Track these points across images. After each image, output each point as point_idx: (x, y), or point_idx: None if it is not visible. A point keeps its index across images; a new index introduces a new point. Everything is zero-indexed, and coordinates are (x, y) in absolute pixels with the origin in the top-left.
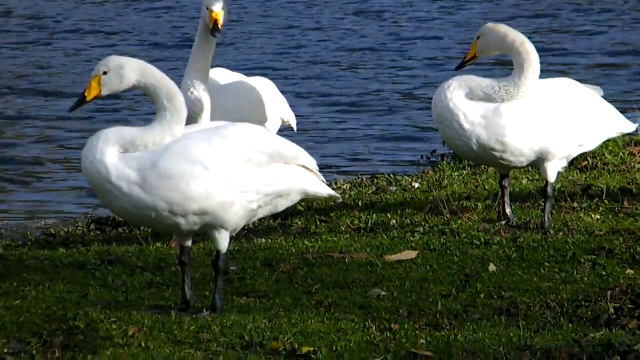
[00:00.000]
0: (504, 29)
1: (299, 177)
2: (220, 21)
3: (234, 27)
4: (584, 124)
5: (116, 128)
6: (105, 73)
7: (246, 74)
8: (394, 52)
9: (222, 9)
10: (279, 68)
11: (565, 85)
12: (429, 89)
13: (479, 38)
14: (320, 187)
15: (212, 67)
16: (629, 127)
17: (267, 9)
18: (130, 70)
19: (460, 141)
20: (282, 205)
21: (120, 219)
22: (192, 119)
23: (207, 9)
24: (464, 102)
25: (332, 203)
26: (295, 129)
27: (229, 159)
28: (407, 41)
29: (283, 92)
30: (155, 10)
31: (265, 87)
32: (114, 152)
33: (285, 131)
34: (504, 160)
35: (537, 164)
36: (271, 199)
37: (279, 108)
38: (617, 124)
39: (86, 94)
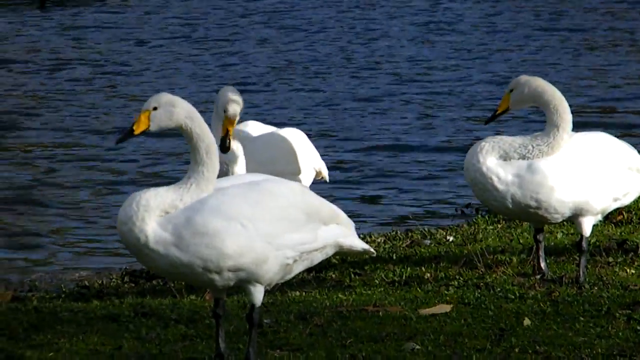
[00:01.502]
0: (541, 83)
1: (335, 231)
2: (232, 131)
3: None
4: (620, 179)
5: (152, 191)
6: (155, 108)
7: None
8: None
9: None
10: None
11: (600, 140)
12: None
13: (511, 91)
14: (355, 242)
15: (244, 120)
16: None
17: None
18: (180, 110)
19: (495, 201)
20: (317, 258)
21: None
22: (225, 171)
23: (224, 111)
24: (497, 165)
25: (366, 256)
26: (327, 179)
27: (264, 215)
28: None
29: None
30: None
31: (297, 138)
32: (153, 219)
33: (317, 183)
34: (539, 217)
35: (572, 219)
36: (307, 255)
37: (311, 158)
38: None
39: (134, 127)
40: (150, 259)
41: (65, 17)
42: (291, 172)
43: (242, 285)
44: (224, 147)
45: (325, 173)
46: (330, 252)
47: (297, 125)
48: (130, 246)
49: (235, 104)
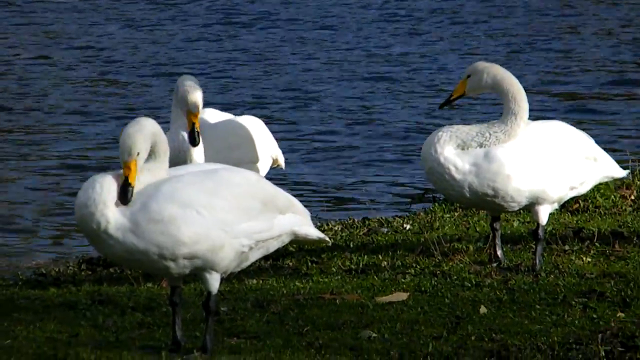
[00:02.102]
0: (500, 71)
1: (290, 219)
2: (198, 123)
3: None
4: (576, 167)
5: (112, 175)
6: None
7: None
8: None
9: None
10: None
11: (557, 128)
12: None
13: (469, 76)
14: (310, 230)
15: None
16: (620, 172)
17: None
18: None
19: (453, 191)
20: (273, 246)
21: None
22: (183, 160)
23: (187, 108)
24: (454, 154)
25: (322, 245)
26: (283, 167)
27: (220, 203)
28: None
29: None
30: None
31: (254, 125)
32: (114, 203)
33: (273, 169)
34: (496, 205)
35: (529, 207)
36: (262, 243)
37: (268, 145)
38: (609, 169)
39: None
40: (107, 245)
41: None
42: (249, 159)
43: (198, 273)
44: (194, 141)
45: (281, 160)
46: (286, 240)
47: (254, 112)
48: (88, 231)
49: (196, 96)
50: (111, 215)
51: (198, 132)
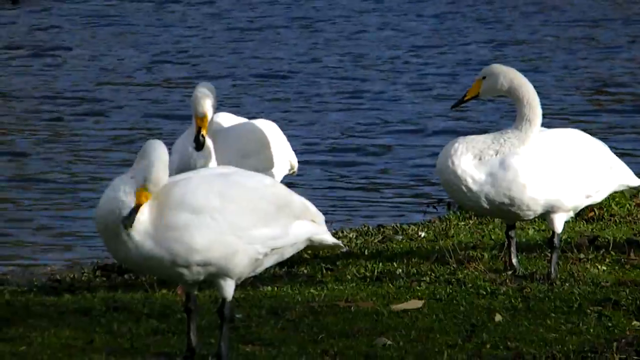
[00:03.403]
0: (517, 76)
1: (306, 227)
2: (206, 129)
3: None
4: (593, 175)
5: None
6: (484, 78)
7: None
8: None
9: (211, 106)
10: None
11: (573, 136)
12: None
13: (484, 78)
14: (326, 237)
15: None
16: (636, 181)
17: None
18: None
19: (469, 202)
20: (288, 252)
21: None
22: (193, 167)
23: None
24: (471, 166)
25: (338, 251)
26: (296, 171)
27: (234, 208)
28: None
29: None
30: None
31: (269, 129)
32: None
33: (287, 176)
34: (512, 214)
35: (544, 215)
36: (277, 249)
37: (284, 150)
38: (625, 177)
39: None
40: (126, 249)
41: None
42: (265, 163)
43: (213, 280)
44: (198, 145)
45: (295, 165)
46: (301, 246)
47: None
48: (109, 234)
49: (202, 102)
50: (140, 217)
51: (204, 137)
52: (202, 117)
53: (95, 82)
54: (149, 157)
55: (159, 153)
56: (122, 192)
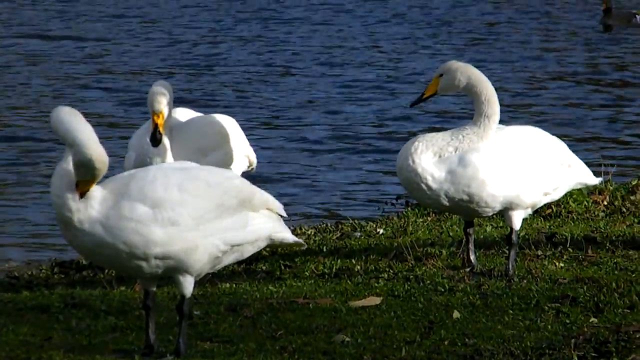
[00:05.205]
0: (475, 72)
1: (266, 225)
2: (162, 126)
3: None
4: (551, 173)
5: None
6: (441, 75)
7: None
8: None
9: (167, 104)
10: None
11: (532, 134)
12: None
13: (441, 75)
14: (286, 234)
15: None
16: (594, 179)
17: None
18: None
19: (429, 199)
20: (248, 251)
21: (84, 263)
22: (149, 164)
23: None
24: (431, 164)
25: (297, 248)
26: (254, 167)
27: (195, 202)
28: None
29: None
30: None
31: (227, 123)
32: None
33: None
34: (471, 210)
35: (502, 212)
36: (237, 247)
37: (242, 146)
38: (583, 175)
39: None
40: (77, 236)
41: None
42: (223, 158)
43: (172, 276)
44: (155, 142)
45: (254, 161)
46: (262, 244)
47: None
48: (60, 219)
49: (158, 98)
50: (79, 205)
51: (161, 134)
52: (159, 113)
53: None
54: (74, 140)
55: (81, 127)
56: (59, 186)
